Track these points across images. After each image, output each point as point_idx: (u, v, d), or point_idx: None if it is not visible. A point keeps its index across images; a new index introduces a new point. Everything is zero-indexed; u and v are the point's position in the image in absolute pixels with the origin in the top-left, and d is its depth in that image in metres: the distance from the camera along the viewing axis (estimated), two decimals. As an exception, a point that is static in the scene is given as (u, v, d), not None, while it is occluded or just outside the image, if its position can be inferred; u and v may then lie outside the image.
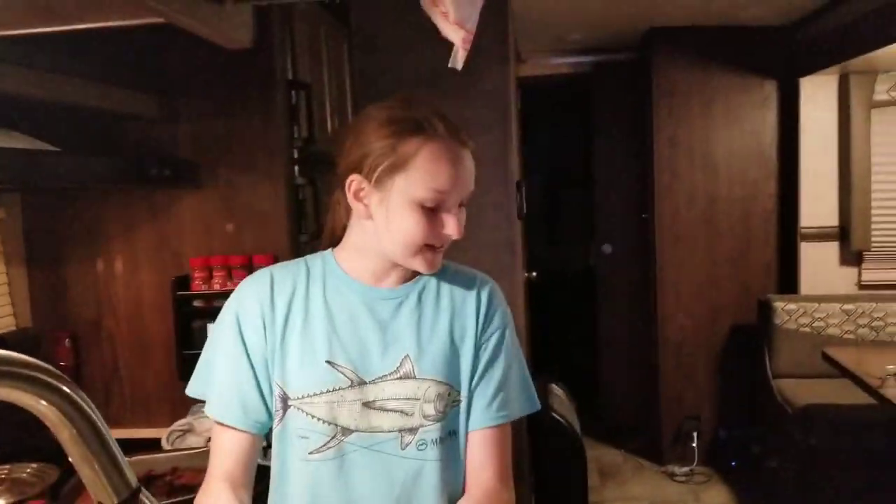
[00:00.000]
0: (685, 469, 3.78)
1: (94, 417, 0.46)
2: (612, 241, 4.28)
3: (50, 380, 0.43)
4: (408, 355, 1.02)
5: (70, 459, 0.49)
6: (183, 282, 1.82)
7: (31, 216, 1.86)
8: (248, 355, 1.02)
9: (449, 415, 1.03)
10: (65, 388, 0.44)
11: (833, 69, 3.35)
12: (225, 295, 1.79)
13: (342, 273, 1.05)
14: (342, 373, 1.00)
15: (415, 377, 1.01)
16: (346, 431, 1.00)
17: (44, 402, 0.43)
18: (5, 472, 1.44)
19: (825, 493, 3.12)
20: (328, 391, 1.00)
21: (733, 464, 3.74)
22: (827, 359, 2.90)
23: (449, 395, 1.03)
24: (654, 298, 3.85)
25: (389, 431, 1.00)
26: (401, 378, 1.01)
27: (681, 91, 3.69)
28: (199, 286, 1.81)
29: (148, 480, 1.57)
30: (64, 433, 0.46)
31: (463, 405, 1.05)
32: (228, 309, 1.06)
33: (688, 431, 3.81)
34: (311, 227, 1.90)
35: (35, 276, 1.88)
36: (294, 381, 1.01)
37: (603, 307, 4.38)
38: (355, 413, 1.00)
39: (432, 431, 1.01)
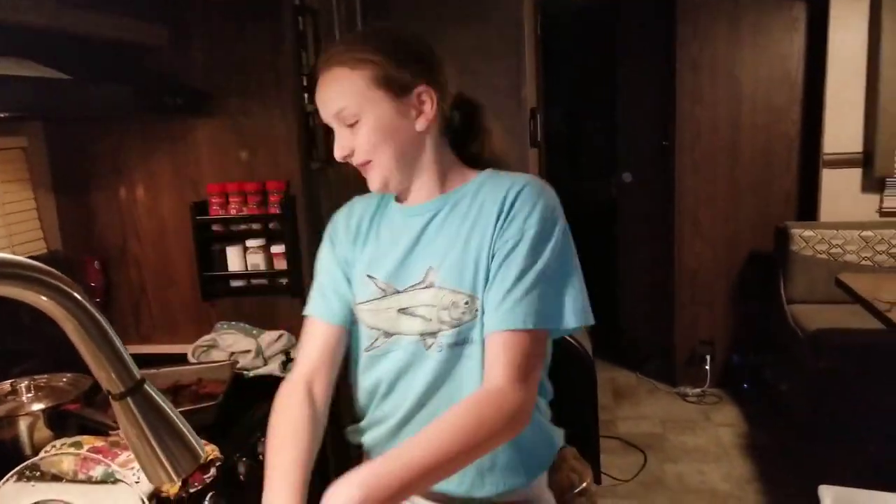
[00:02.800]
0: (697, 390, 3.88)
1: (93, 311, 0.54)
2: (634, 170, 4.26)
3: (46, 277, 0.51)
4: (431, 266, 1.09)
5: (80, 352, 0.57)
6: (202, 207, 1.90)
7: (56, 145, 1.94)
8: (338, 263, 1.20)
9: (467, 322, 1.06)
10: (60, 284, 0.51)
11: (865, -12, 3.23)
12: (241, 219, 1.90)
13: (391, 198, 1.19)
14: (377, 285, 1.13)
15: (435, 286, 1.08)
16: (388, 334, 1.12)
17: (44, 297, 0.51)
18: (44, 380, 1.57)
19: (833, 414, 3.20)
20: (368, 300, 1.14)
21: (745, 386, 3.83)
22: (840, 285, 2.92)
23: (466, 303, 1.06)
24: (673, 226, 3.86)
25: (414, 334, 1.10)
26: (426, 287, 1.09)
27: (706, 11, 3.59)
28: (216, 211, 1.89)
29: (175, 390, 1.70)
30: (68, 326, 0.54)
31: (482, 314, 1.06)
32: (325, 231, 1.25)
33: (701, 355, 3.90)
34: (322, 154, 1.95)
35: (63, 202, 1.97)
36: (354, 290, 1.17)
37: (623, 236, 4.40)
38: (392, 318, 1.11)
39: (447, 336, 1.07)
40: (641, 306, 4.41)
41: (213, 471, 1.37)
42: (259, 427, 1.58)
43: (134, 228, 1.97)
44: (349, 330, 1.19)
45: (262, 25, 1.80)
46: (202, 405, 1.55)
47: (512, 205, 1.06)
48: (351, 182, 2.28)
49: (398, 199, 1.18)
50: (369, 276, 1.14)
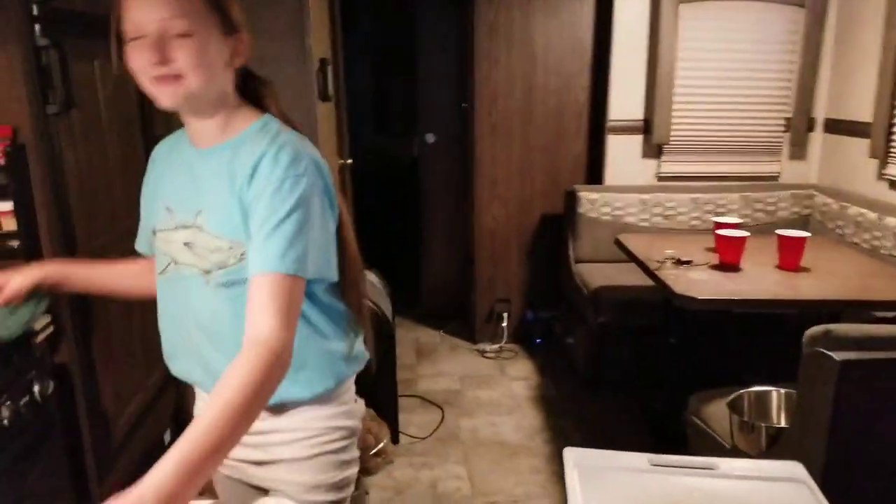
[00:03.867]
0: (495, 346, 4.04)
1: None
2: (436, 131, 4.27)
3: None
4: (200, 210, 1.17)
5: None
6: None
7: None
8: (145, 197, 1.34)
9: (233, 265, 1.15)
10: None
11: (648, -37, 3.41)
12: (-46, 171, 1.59)
13: (183, 134, 1.25)
14: (171, 216, 1.22)
15: (203, 230, 1.17)
16: (176, 262, 1.22)
17: None
18: None
19: (611, 365, 3.46)
20: (163, 230, 1.24)
21: (538, 341, 4.05)
22: (619, 244, 3.13)
23: (230, 248, 1.15)
24: (472, 188, 3.93)
25: (196, 269, 1.19)
26: (198, 228, 1.18)
27: (503, -26, 3.63)
28: (-80, 162, 1.57)
29: None
30: None
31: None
32: None
33: (499, 313, 4.05)
34: (61, 97, 1.69)
35: None
36: (153, 219, 1.27)
37: (426, 197, 4.42)
38: (179, 250, 1.20)
39: (220, 276, 1.16)
40: (444, 266, 4.49)
41: None
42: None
43: None
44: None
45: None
46: None
47: (259, 159, 1.13)
48: (105, 129, 2.03)
49: (191, 140, 1.23)
50: (167, 209, 1.23)
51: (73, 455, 1.76)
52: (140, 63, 1.09)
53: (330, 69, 2.67)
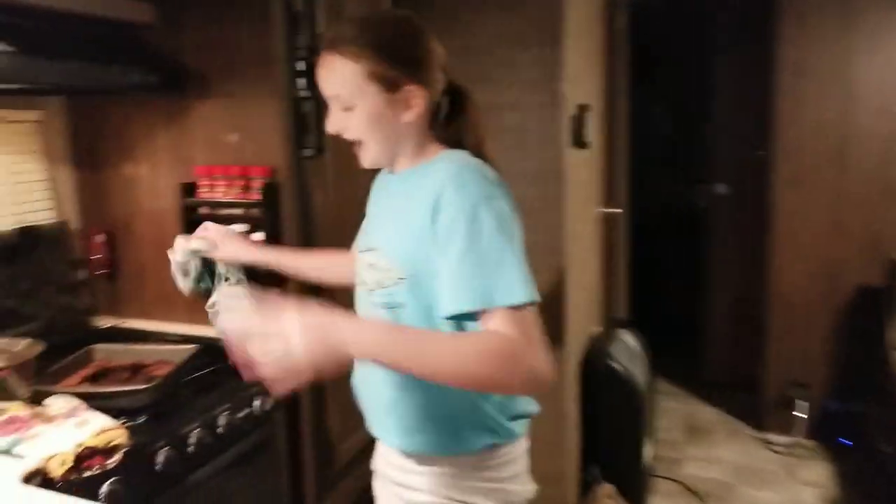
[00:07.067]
0: (786, 439, 3.41)
1: None
2: (729, 181, 3.86)
3: None
4: (379, 231, 1.25)
5: None
6: (192, 188, 1.89)
7: (76, 119, 2.01)
8: None
9: (392, 288, 1.17)
10: None
11: None
12: (228, 204, 1.86)
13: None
14: (365, 238, 1.31)
15: (377, 250, 1.22)
16: (364, 283, 1.26)
17: None
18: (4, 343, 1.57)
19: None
20: (362, 251, 1.29)
21: (846, 442, 3.31)
22: (954, 331, 2.43)
23: (389, 270, 1.17)
24: (768, 247, 3.43)
25: (366, 287, 1.24)
26: (374, 250, 1.23)
27: (813, 7, 3.16)
28: (203, 194, 1.86)
29: (135, 368, 1.69)
30: None
31: (407, 284, 1.15)
32: None
33: (793, 398, 3.42)
34: (315, 142, 1.87)
35: (79, 175, 2.04)
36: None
37: (712, 253, 3.99)
38: (366, 270, 1.25)
39: (378, 297, 1.20)
40: (729, 334, 3.98)
41: (116, 457, 1.32)
42: (200, 416, 1.53)
43: (138, 205, 2.00)
44: None
45: (251, 5, 1.75)
46: (135, 387, 1.52)
47: (441, 190, 1.09)
48: (356, 173, 2.19)
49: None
50: (364, 231, 1.33)
51: (295, 471, 1.88)
52: (329, 129, 1.23)
53: (591, 116, 2.56)
